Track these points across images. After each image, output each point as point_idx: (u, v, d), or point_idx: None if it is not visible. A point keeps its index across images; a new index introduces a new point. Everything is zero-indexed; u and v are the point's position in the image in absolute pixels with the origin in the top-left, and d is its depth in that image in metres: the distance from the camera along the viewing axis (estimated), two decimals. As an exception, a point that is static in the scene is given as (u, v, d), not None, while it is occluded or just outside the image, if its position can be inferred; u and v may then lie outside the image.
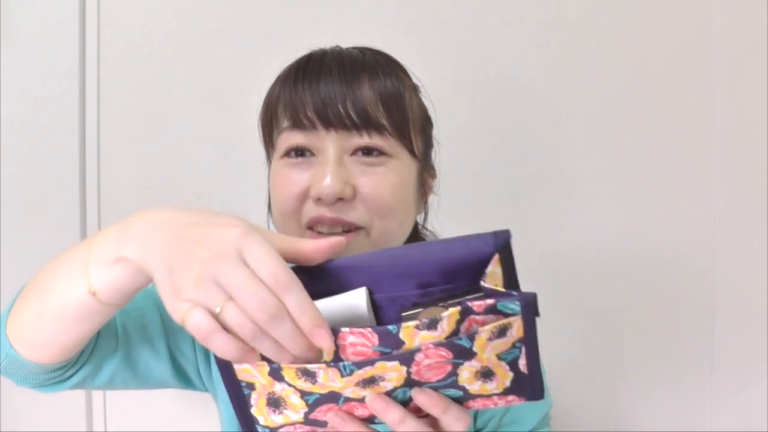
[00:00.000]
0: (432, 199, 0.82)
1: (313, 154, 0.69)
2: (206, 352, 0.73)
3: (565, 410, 1.14)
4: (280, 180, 0.70)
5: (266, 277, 0.46)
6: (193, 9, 1.13)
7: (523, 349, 0.51)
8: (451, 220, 0.90)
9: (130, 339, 0.68)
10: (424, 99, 0.78)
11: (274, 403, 0.54)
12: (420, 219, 0.83)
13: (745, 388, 1.18)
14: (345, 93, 0.67)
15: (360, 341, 0.49)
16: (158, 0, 1.13)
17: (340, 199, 0.66)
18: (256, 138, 0.79)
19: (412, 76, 0.77)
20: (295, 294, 0.46)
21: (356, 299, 0.52)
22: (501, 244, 0.53)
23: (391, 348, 0.49)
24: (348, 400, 0.52)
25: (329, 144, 0.67)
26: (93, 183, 1.13)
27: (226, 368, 0.53)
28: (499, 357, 0.51)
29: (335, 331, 0.48)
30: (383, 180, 0.68)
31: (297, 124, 0.68)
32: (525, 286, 0.54)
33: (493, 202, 1.15)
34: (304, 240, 0.51)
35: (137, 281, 0.52)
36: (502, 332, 0.49)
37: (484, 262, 0.53)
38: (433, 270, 0.53)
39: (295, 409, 0.53)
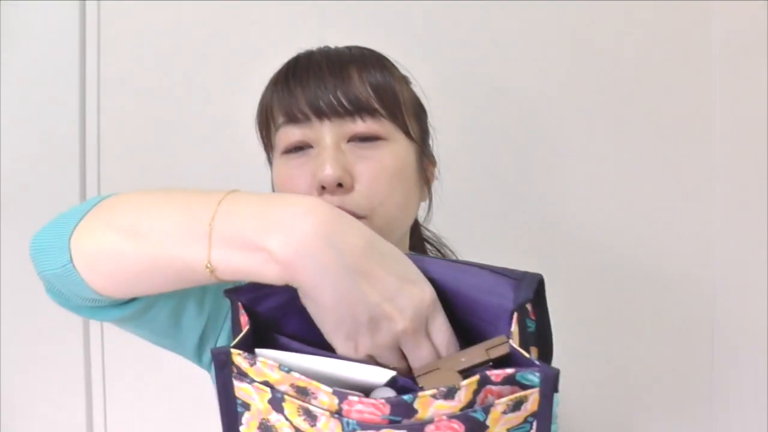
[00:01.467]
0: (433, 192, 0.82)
1: (311, 147, 0.69)
2: (230, 332, 0.73)
3: (564, 412, 1.14)
4: (283, 179, 0.71)
5: (444, 348, 0.51)
6: (192, 9, 1.14)
7: (535, 424, 0.48)
8: (451, 219, 0.89)
9: (189, 292, 0.66)
10: (415, 88, 0.78)
11: (266, 430, 0.51)
12: (424, 208, 0.83)
13: (746, 391, 1.17)
14: (335, 83, 0.68)
15: (369, 410, 0.46)
16: (158, 1, 1.14)
17: (340, 185, 0.66)
18: (256, 141, 0.79)
19: (401, 68, 0.78)
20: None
21: (378, 378, 0.50)
22: (520, 302, 0.51)
23: (402, 417, 0.46)
24: None
25: (325, 133, 0.68)
26: (93, 183, 1.13)
27: (225, 382, 0.51)
28: (509, 431, 0.49)
29: (342, 396, 0.46)
30: (380, 165, 0.68)
31: (292, 119, 0.69)
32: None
33: (492, 202, 1.15)
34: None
35: (272, 280, 0.49)
36: (517, 405, 0.47)
37: (504, 311, 0.52)
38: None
39: None
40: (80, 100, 1.13)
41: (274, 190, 0.75)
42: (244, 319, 0.55)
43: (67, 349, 1.15)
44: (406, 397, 0.46)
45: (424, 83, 0.80)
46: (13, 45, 1.13)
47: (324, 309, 0.48)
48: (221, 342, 0.73)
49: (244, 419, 0.52)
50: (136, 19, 1.14)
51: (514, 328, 0.50)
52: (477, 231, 1.13)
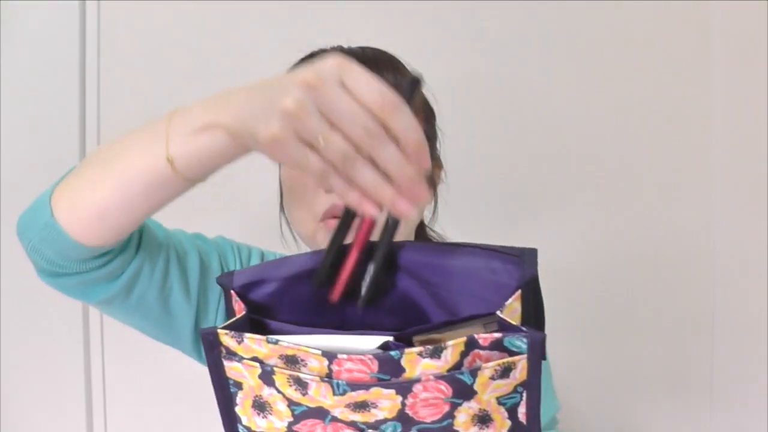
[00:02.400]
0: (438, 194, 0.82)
1: None
2: (224, 319, 0.72)
3: (565, 411, 1.14)
4: (292, 179, 0.70)
5: (374, 99, 0.43)
6: (193, 9, 1.13)
7: (525, 395, 0.48)
8: (456, 222, 0.89)
9: (170, 272, 0.66)
10: (425, 91, 0.78)
11: (260, 406, 0.52)
12: (429, 210, 0.83)
13: (746, 390, 1.18)
14: None
15: (358, 367, 0.46)
16: (158, 1, 1.13)
17: None
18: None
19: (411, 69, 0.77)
20: (404, 114, 0.44)
21: (370, 345, 0.49)
22: (525, 279, 0.50)
23: (390, 375, 0.46)
24: (335, 420, 0.50)
25: None
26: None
27: (215, 364, 0.51)
28: (499, 401, 0.48)
29: (331, 357, 0.47)
30: None
31: None
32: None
33: (492, 202, 1.15)
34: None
35: (223, 150, 0.50)
36: (505, 372, 0.46)
37: (506, 291, 0.50)
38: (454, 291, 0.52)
39: (280, 417, 0.51)
40: (80, 99, 1.13)
41: (282, 190, 0.75)
42: (239, 306, 0.56)
43: (67, 349, 1.14)
44: (393, 353, 0.46)
45: (432, 85, 0.80)
46: (13, 45, 1.12)
47: (247, 123, 0.47)
48: None
49: (238, 399, 0.52)
50: (136, 18, 1.13)
51: (511, 302, 0.49)
52: (481, 234, 1.13)
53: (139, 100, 1.13)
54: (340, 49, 0.73)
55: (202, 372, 0.85)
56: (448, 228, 0.88)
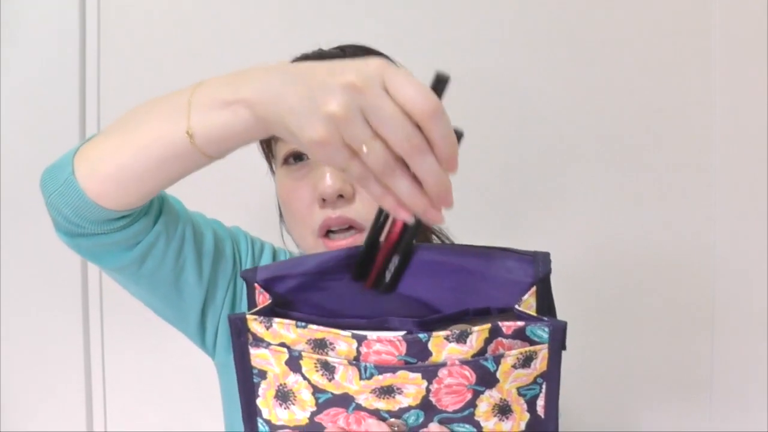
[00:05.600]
0: None
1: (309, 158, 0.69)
2: (232, 307, 0.73)
3: (564, 412, 1.14)
4: (287, 191, 0.71)
5: (416, 104, 0.43)
6: (193, 9, 1.13)
7: (544, 387, 0.50)
8: (455, 220, 0.89)
9: (185, 249, 0.67)
10: None
11: (283, 396, 0.52)
12: None
13: (746, 389, 1.18)
14: None
15: (386, 349, 0.48)
16: (158, 0, 1.13)
17: (341, 196, 0.66)
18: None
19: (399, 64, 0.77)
20: (444, 121, 0.44)
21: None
22: (540, 277, 0.53)
23: (417, 358, 0.48)
24: (358, 408, 0.51)
25: None
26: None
27: (241, 351, 0.52)
28: (519, 392, 0.50)
29: (361, 338, 0.48)
30: None
31: None
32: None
33: (496, 202, 1.15)
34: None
35: (245, 131, 0.50)
36: (527, 361, 0.49)
37: (521, 289, 0.53)
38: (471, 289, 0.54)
39: (303, 407, 0.52)
40: (80, 98, 1.13)
41: (279, 203, 0.75)
42: (263, 297, 0.57)
43: (67, 348, 1.14)
44: (421, 335, 0.47)
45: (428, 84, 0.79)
46: (13, 41, 1.12)
47: (283, 116, 0.46)
48: (222, 323, 0.73)
49: (260, 390, 0.53)
50: (137, 18, 1.13)
51: (527, 298, 0.52)
52: (480, 231, 1.13)
53: (140, 98, 1.12)
54: (320, 53, 0.73)
55: (202, 371, 0.85)
56: (450, 222, 0.88)
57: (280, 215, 0.77)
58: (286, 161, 0.70)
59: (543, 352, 0.48)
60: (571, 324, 1.18)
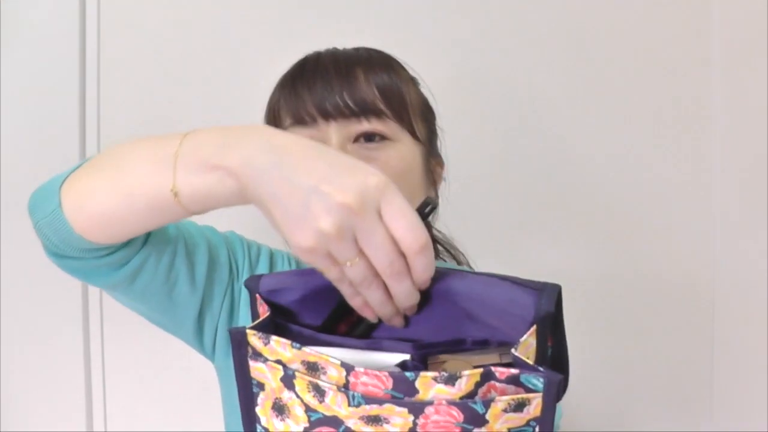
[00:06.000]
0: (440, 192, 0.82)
1: None
2: (230, 312, 0.73)
3: (565, 411, 1.14)
4: None
5: (406, 237, 0.46)
6: (193, 9, 1.13)
7: (537, 429, 0.48)
8: (458, 220, 0.89)
9: (176, 265, 0.67)
10: (423, 90, 0.78)
11: (279, 409, 0.53)
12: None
13: (746, 389, 1.18)
14: (341, 85, 0.68)
15: (373, 382, 0.47)
16: (158, 0, 1.13)
17: None
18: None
19: (409, 69, 0.78)
20: (428, 255, 0.47)
21: (388, 362, 0.51)
22: (541, 315, 0.49)
23: (403, 394, 0.47)
24: (348, 431, 0.50)
25: (331, 134, 0.68)
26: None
27: (241, 363, 0.52)
28: None
29: (349, 368, 0.48)
30: (386, 164, 0.68)
31: (298, 121, 0.70)
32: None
33: (498, 203, 1.15)
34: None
35: (229, 198, 0.50)
36: (519, 407, 0.47)
37: (524, 322, 0.50)
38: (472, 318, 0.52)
39: (297, 421, 0.52)
40: (80, 99, 1.13)
41: None
42: (263, 308, 0.57)
43: (67, 348, 1.14)
44: (408, 374, 0.47)
45: (433, 85, 0.80)
46: (13, 43, 1.12)
47: (271, 209, 0.47)
48: (221, 327, 0.73)
49: (259, 399, 0.53)
50: (137, 18, 1.13)
51: (526, 338, 0.49)
52: (483, 232, 1.13)
53: (140, 97, 1.13)
54: (334, 51, 0.74)
55: (202, 371, 0.85)
56: (450, 224, 0.88)
57: None
58: None
59: (537, 400, 0.47)
60: (571, 324, 1.18)
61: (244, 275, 0.73)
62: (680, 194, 1.16)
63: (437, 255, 0.88)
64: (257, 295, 0.57)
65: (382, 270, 0.47)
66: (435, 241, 0.89)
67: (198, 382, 1.11)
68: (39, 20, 1.12)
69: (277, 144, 0.49)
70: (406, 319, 0.55)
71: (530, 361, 0.48)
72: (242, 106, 1.06)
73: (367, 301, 0.50)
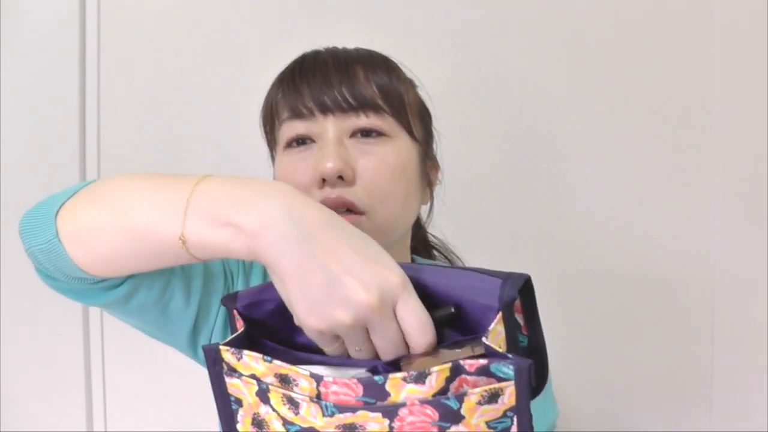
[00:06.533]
0: (436, 195, 0.82)
1: (313, 141, 0.69)
2: (225, 322, 0.72)
3: (565, 415, 1.14)
4: (285, 172, 0.70)
5: (417, 336, 0.48)
6: (193, 9, 1.13)
7: (515, 419, 0.47)
8: (453, 223, 0.89)
9: (171, 283, 0.66)
10: (421, 92, 0.78)
11: (258, 424, 0.52)
12: (425, 210, 0.83)
13: (746, 390, 1.18)
14: (341, 81, 0.68)
15: (343, 390, 0.47)
16: (158, 0, 1.13)
17: (341, 178, 0.66)
18: (256, 138, 0.79)
19: (407, 72, 0.77)
20: (431, 345, 0.49)
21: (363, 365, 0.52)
22: (505, 302, 0.49)
23: (376, 399, 0.47)
24: None
25: (328, 127, 0.68)
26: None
27: (217, 380, 0.52)
28: (489, 425, 0.48)
29: (318, 378, 0.48)
30: (382, 161, 0.68)
31: (296, 114, 0.69)
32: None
33: (494, 205, 1.15)
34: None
35: (239, 254, 0.50)
36: (493, 397, 0.46)
37: (491, 312, 0.50)
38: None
39: None
40: (80, 98, 1.13)
41: None
42: (239, 323, 0.56)
43: (67, 348, 1.15)
44: (377, 377, 0.46)
45: (430, 88, 0.80)
46: (13, 43, 1.12)
47: (286, 281, 0.48)
48: (215, 337, 0.73)
49: (239, 416, 0.53)
50: (137, 17, 1.13)
51: (494, 326, 0.48)
52: (478, 234, 1.13)
53: (140, 97, 1.13)
54: (334, 49, 0.74)
55: (202, 372, 0.85)
56: (446, 227, 0.88)
57: None
58: (289, 145, 0.70)
59: (510, 388, 0.46)
60: (571, 324, 1.18)
61: (239, 283, 0.72)
62: (680, 194, 1.16)
63: (432, 258, 0.88)
64: (234, 311, 0.57)
65: (386, 355, 0.49)
66: (432, 246, 0.89)
67: (198, 382, 1.11)
68: (39, 20, 1.12)
69: (300, 215, 0.48)
70: None
71: (501, 350, 0.48)
72: (242, 106, 1.06)
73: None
